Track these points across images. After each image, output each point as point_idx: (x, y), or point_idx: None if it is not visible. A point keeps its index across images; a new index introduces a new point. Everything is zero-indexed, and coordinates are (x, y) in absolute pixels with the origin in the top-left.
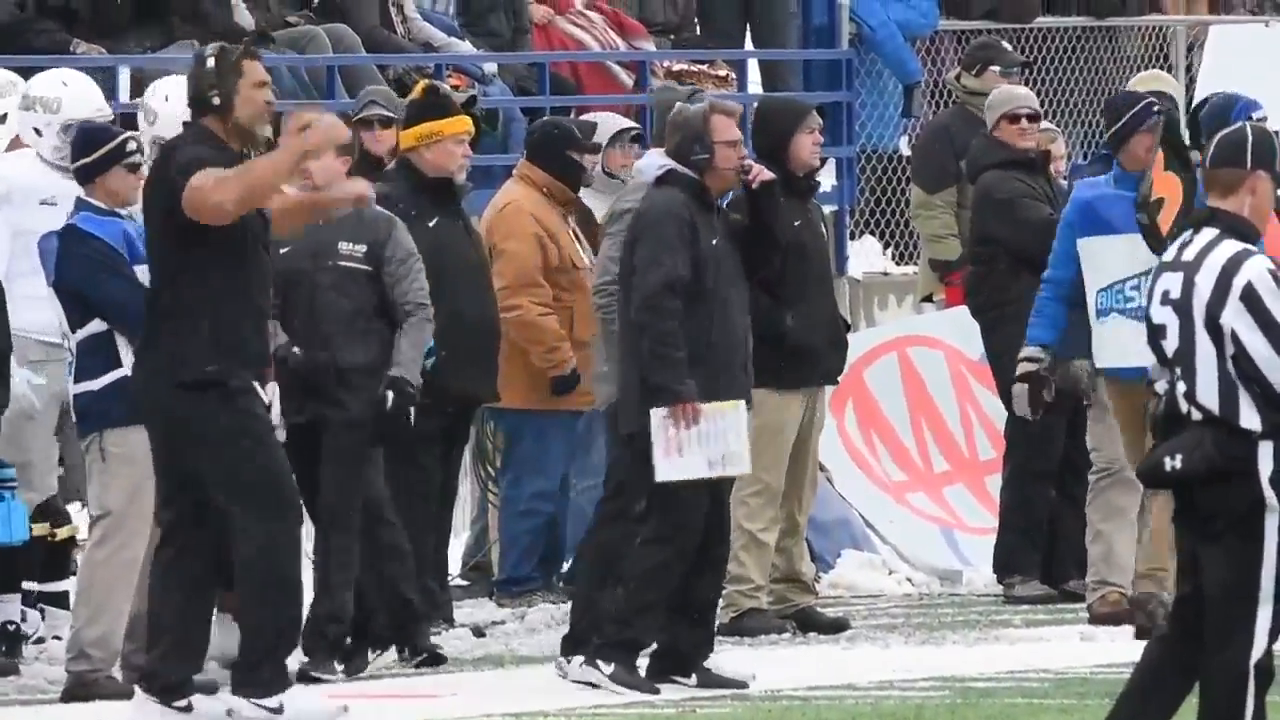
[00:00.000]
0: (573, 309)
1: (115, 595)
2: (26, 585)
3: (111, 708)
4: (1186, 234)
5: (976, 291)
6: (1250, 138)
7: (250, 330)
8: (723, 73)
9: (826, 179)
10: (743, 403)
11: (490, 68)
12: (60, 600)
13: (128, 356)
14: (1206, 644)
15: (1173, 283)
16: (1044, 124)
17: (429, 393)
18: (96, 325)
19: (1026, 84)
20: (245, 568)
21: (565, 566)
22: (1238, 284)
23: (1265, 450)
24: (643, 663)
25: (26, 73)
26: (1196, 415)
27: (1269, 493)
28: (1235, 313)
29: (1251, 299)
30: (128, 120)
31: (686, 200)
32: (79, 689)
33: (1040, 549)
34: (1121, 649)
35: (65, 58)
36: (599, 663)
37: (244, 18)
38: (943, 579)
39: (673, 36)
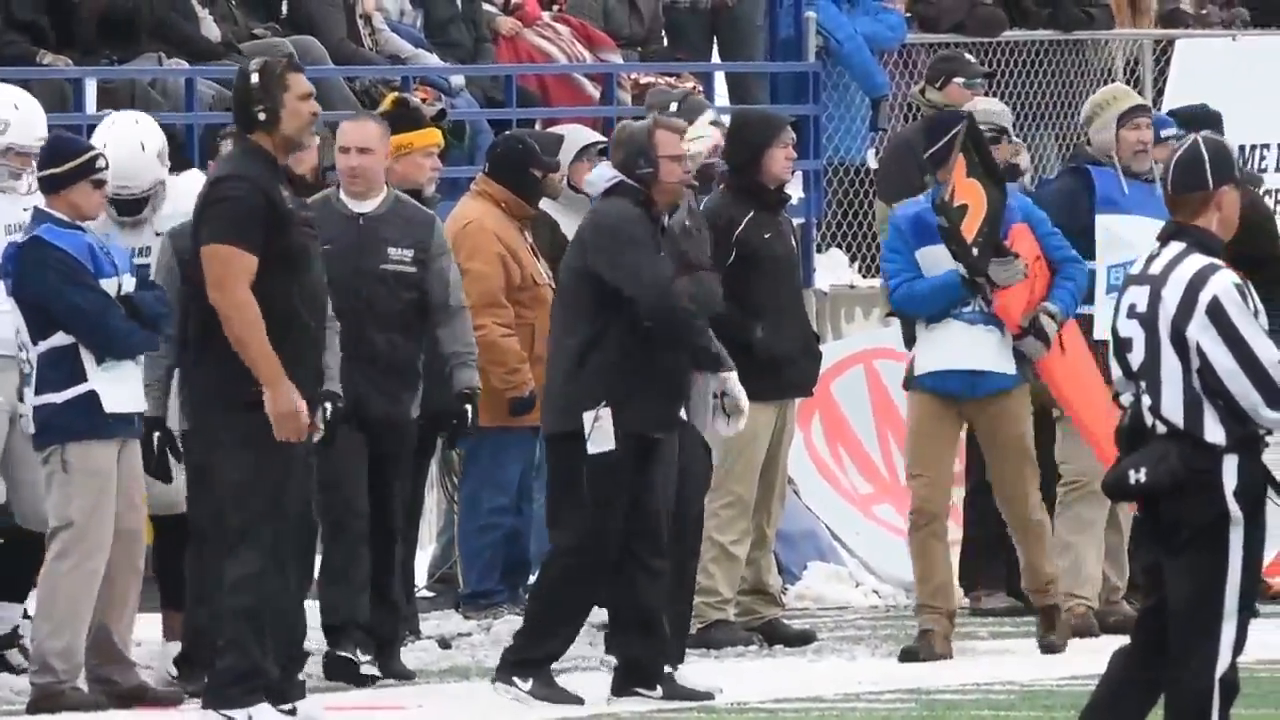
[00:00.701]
0: (534, 325)
1: (78, 607)
2: None
3: (79, 719)
4: (1154, 247)
5: None
6: (1206, 155)
7: (299, 350)
8: (689, 85)
9: (794, 191)
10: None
11: (457, 80)
12: None
13: (92, 369)
14: (1171, 658)
15: (1139, 296)
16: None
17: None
18: (60, 338)
19: (991, 96)
20: (233, 591)
21: (531, 579)
22: (1204, 298)
23: (1229, 464)
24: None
25: None
26: (1161, 429)
27: (1233, 506)
28: (1200, 327)
29: (1217, 313)
30: (92, 131)
31: (633, 210)
32: (44, 701)
33: (1005, 562)
34: (1087, 662)
35: (32, 69)
36: (515, 680)
37: (210, 30)
38: (909, 591)
39: (640, 49)
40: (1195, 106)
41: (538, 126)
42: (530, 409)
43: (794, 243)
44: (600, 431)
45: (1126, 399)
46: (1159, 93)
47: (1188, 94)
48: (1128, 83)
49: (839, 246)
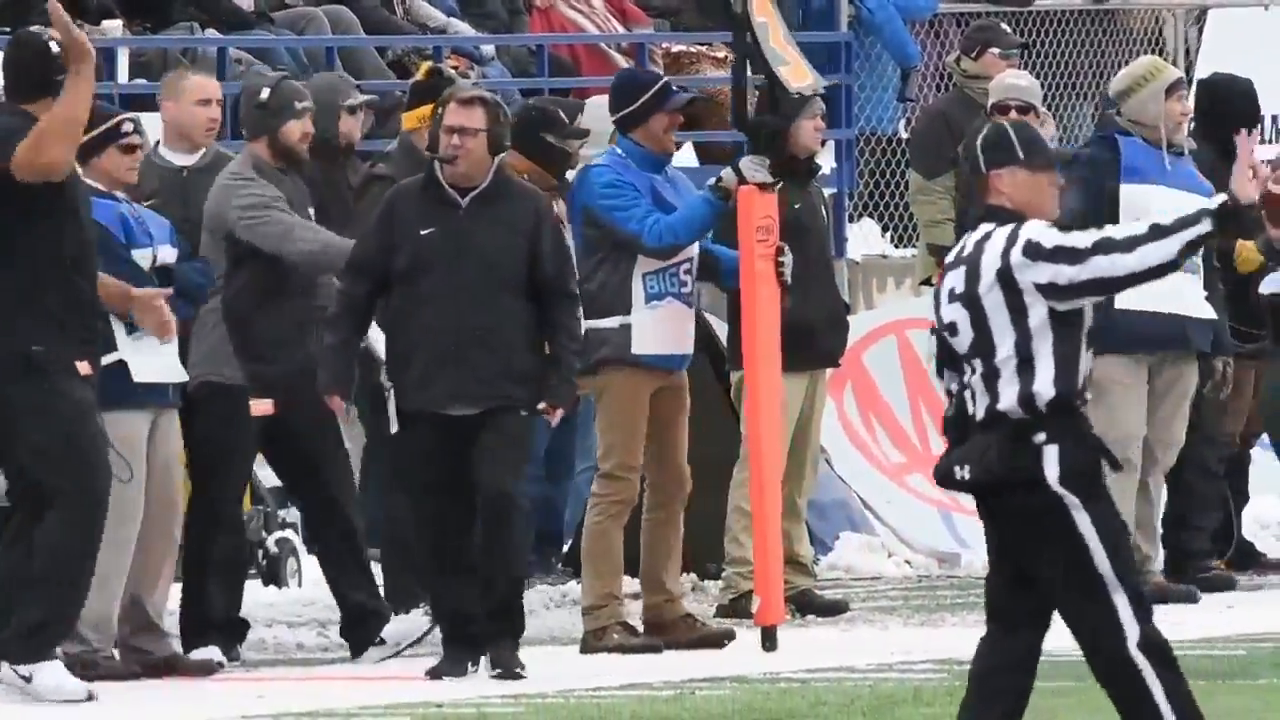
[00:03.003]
0: None
1: (110, 577)
2: None
3: (111, 688)
4: (965, 236)
5: None
6: (1013, 134)
7: (69, 307)
8: (721, 54)
9: (825, 162)
10: None
11: (488, 50)
12: None
13: (122, 339)
14: (1080, 646)
15: (957, 280)
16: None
17: None
18: None
19: (1025, 66)
20: (40, 549)
21: (565, 548)
22: (1019, 244)
23: (1050, 454)
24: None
25: None
26: (981, 416)
27: (1064, 493)
28: (1024, 265)
29: (1035, 248)
30: (126, 101)
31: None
32: (76, 670)
33: None
34: None
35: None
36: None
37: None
38: (941, 561)
39: (671, 19)
40: (1226, 75)
41: (569, 97)
42: None
43: (824, 213)
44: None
45: (953, 387)
46: (1190, 62)
47: (1219, 62)
48: (1158, 53)
49: (871, 216)
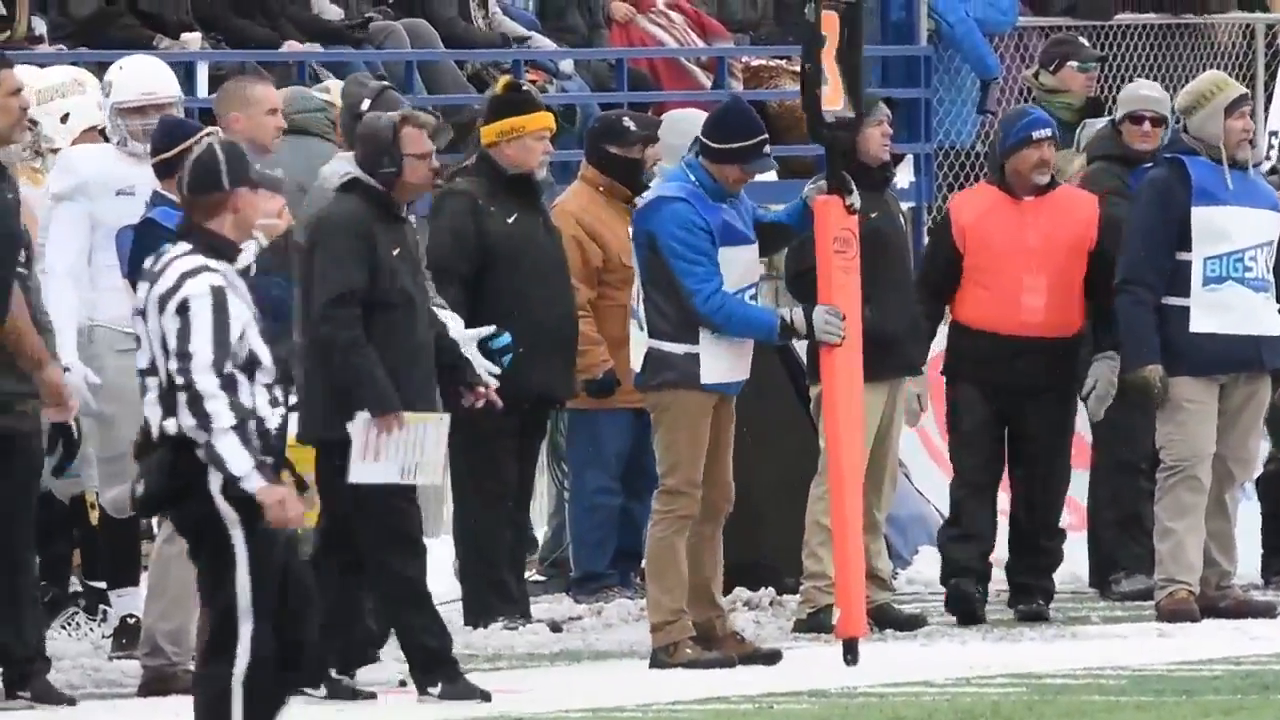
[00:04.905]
0: (626, 308)
1: (188, 590)
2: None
3: (189, 702)
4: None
5: None
6: (222, 157)
7: None
8: (799, 68)
9: (904, 175)
10: (447, 416)
11: (566, 64)
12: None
13: None
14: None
15: (143, 293)
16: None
17: (507, 389)
18: None
19: (1103, 80)
20: None
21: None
22: (179, 295)
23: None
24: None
25: (109, 67)
26: (156, 433)
27: (223, 506)
28: (170, 318)
29: (184, 311)
30: (205, 115)
31: (367, 210)
32: (155, 683)
33: (1140, 543)
34: (1197, 646)
35: (145, 52)
36: (430, 691)
37: (328, 12)
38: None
39: (751, 33)
40: None
41: (649, 112)
42: (609, 391)
43: (902, 222)
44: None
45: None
46: (1271, 76)
47: None
48: (1240, 66)
49: None
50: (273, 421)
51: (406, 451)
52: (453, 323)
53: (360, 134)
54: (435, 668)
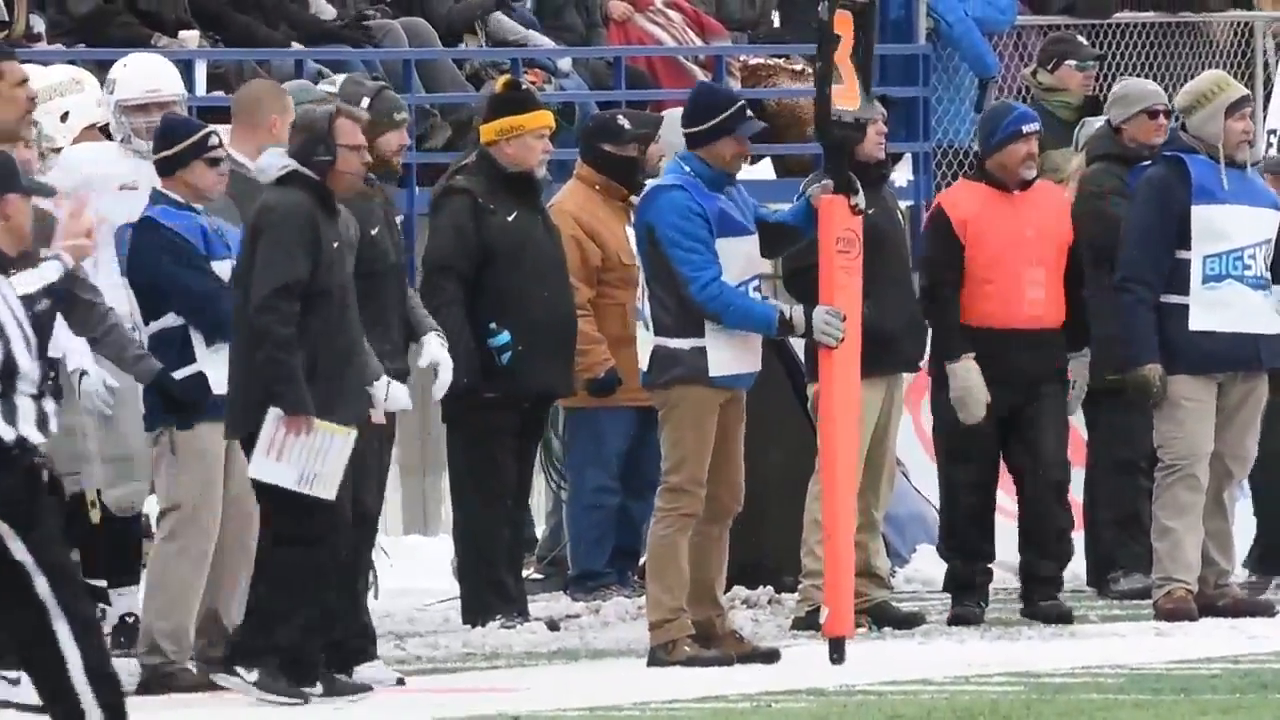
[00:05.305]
0: (625, 307)
1: (187, 589)
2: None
3: (187, 700)
4: None
5: None
6: None
7: None
8: (798, 67)
9: (902, 174)
10: (354, 432)
11: (565, 63)
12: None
13: (201, 351)
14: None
15: None
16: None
17: (505, 387)
18: (170, 319)
19: (1100, 78)
20: None
21: (643, 560)
22: None
23: None
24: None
25: (108, 65)
26: None
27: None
28: None
29: None
30: (204, 113)
31: (308, 201)
32: (153, 682)
33: (1139, 541)
34: (1194, 645)
35: (144, 50)
36: (240, 670)
37: (324, 11)
38: (1016, 574)
39: (749, 32)
40: None
41: (646, 110)
42: (610, 390)
43: (899, 219)
44: None
45: None
46: (1269, 75)
47: None
48: (1238, 65)
49: None
50: (30, 431)
51: (309, 459)
52: (436, 339)
53: (296, 124)
54: (262, 656)
